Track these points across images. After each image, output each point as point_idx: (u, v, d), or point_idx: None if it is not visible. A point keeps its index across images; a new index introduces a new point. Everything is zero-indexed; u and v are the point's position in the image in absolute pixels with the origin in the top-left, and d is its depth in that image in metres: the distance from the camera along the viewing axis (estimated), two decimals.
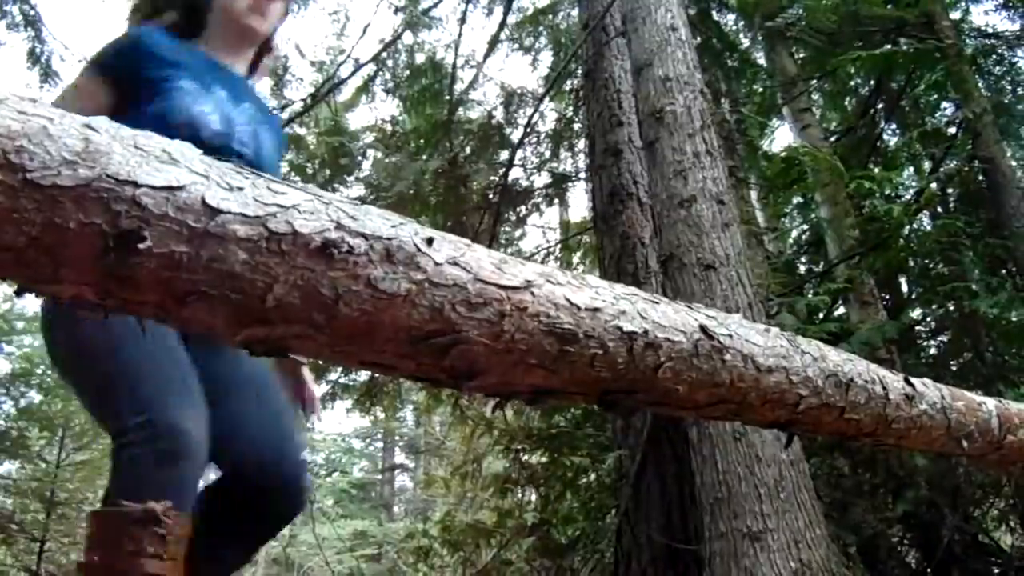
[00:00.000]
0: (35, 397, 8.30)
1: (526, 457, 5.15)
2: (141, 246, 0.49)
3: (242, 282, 0.53)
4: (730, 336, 0.89)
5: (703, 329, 0.86)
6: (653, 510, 3.62)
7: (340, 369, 6.46)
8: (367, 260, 0.59)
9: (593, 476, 4.73)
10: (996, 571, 3.83)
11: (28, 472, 8.06)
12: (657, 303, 0.83)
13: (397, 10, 6.49)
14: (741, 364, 0.89)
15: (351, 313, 0.58)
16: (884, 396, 1.13)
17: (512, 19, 6.74)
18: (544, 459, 5.06)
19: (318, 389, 1.52)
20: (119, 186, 0.49)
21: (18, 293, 0.53)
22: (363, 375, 6.50)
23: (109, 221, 0.49)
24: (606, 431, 4.52)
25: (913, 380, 1.23)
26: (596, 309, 0.75)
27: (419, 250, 0.62)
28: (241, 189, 0.55)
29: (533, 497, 5.48)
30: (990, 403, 1.42)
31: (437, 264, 0.63)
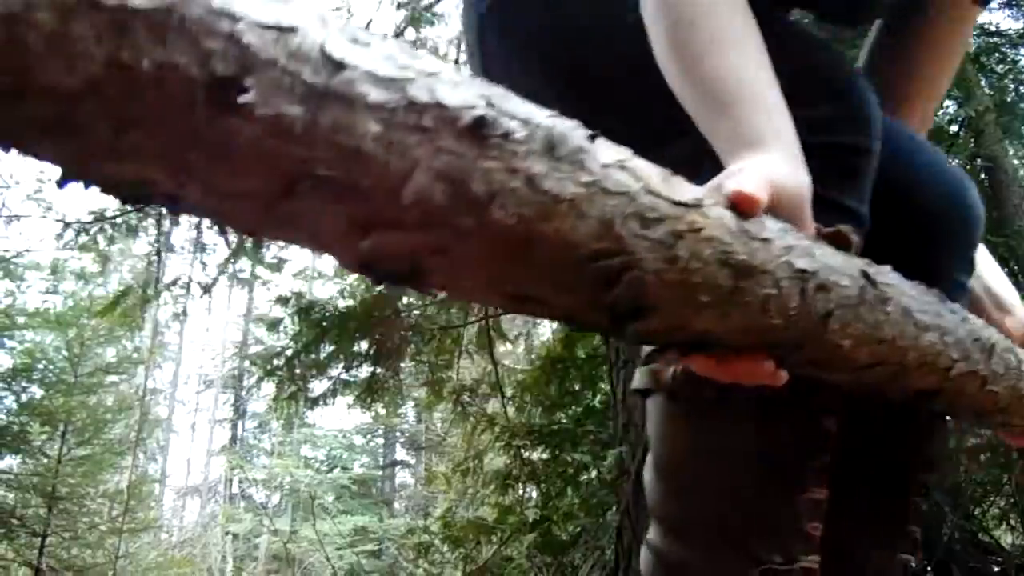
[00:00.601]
0: (36, 392, 8.12)
1: (527, 453, 5.05)
2: (241, 99, 0.33)
3: (373, 165, 0.37)
4: (889, 285, 0.73)
5: (864, 274, 0.70)
6: None
7: (341, 365, 6.31)
8: (526, 151, 0.43)
9: (594, 473, 4.64)
10: (996, 569, 3.76)
11: (29, 467, 7.87)
12: (816, 241, 0.68)
13: (400, 6, 6.32)
14: (901, 318, 0.74)
15: (506, 219, 0.42)
16: (1018, 367, 0.97)
17: None
18: (545, 456, 4.97)
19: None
20: (212, 16, 0.33)
21: (61, 181, 0.36)
22: (363, 371, 6.35)
23: (198, 62, 0.33)
24: (607, 428, 4.43)
25: None
26: (767, 240, 0.59)
27: (583, 147, 0.46)
28: (368, 45, 0.39)
29: (534, 494, 5.39)
30: None
31: (604, 165, 0.47)
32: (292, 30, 0.36)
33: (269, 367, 6.18)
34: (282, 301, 5.79)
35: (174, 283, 6.56)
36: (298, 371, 6.08)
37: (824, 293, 0.64)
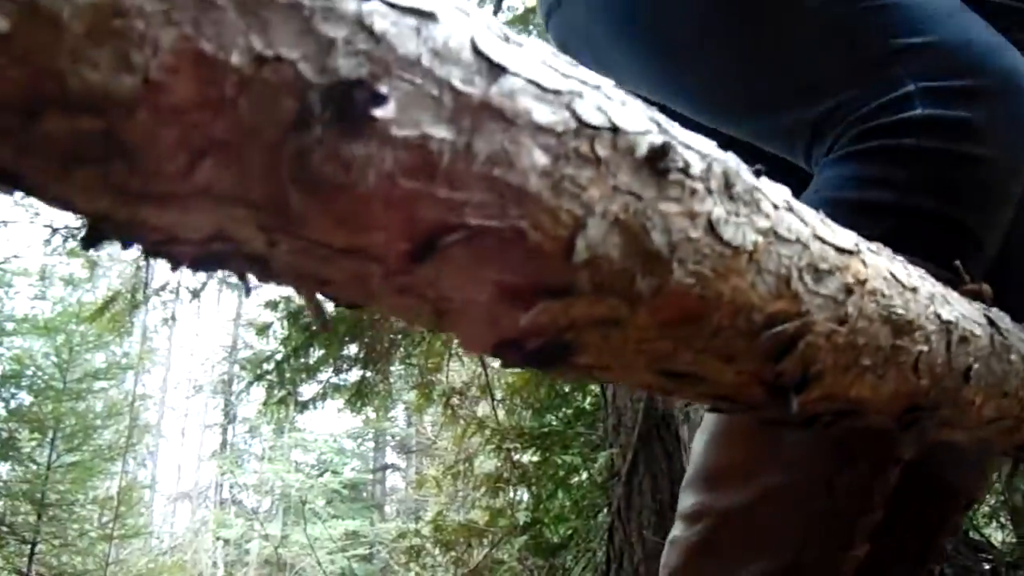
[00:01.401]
0: (25, 399, 7.87)
1: (517, 456, 4.96)
2: (379, 113, 0.21)
3: (540, 210, 0.25)
4: (1008, 330, 0.63)
5: (990, 322, 0.59)
6: (645, 508, 3.53)
7: (331, 369, 6.19)
8: (705, 189, 0.31)
9: (585, 475, 4.57)
10: (987, 567, 3.70)
11: (19, 474, 7.61)
12: (947, 287, 0.57)
13: None
14: (1022, 366, 0.63)
15: (684, 278, 0.30)
16: None
17: (501, 18, 6.48)
18: (535, 458, 4.88)
19: None
20: None
21: (90, 237, 0.24)
22: (353, 375, 6.25)
23: (314, 57, 0.21)
24: (597, 430, 4.37)
25: None
26: (915, 289, 0.48)
27: (755, 184, 0.35)
28: (520, 45, 0.27)
29: (525, 496, 5.29)
30: None
31: (776, 207, 0.35)
32: (433, 17, 0.24)
33: (259, 371, 6.03)
34: (271, 305, 5.66)
35: (163, 288, 6.40)
36: (288, 375, 5.94)
37: (964, 346, 0.53)
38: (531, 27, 6.64)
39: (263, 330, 6.70)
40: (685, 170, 0.30)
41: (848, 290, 0.39)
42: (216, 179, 0.22)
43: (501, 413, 5.26)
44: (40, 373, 8.06)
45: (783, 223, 0.35)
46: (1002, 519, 4.39)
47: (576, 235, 0.26)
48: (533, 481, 4.84)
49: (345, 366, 6.13)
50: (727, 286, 0.32)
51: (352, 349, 5.70)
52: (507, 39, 0.26)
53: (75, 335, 8.25)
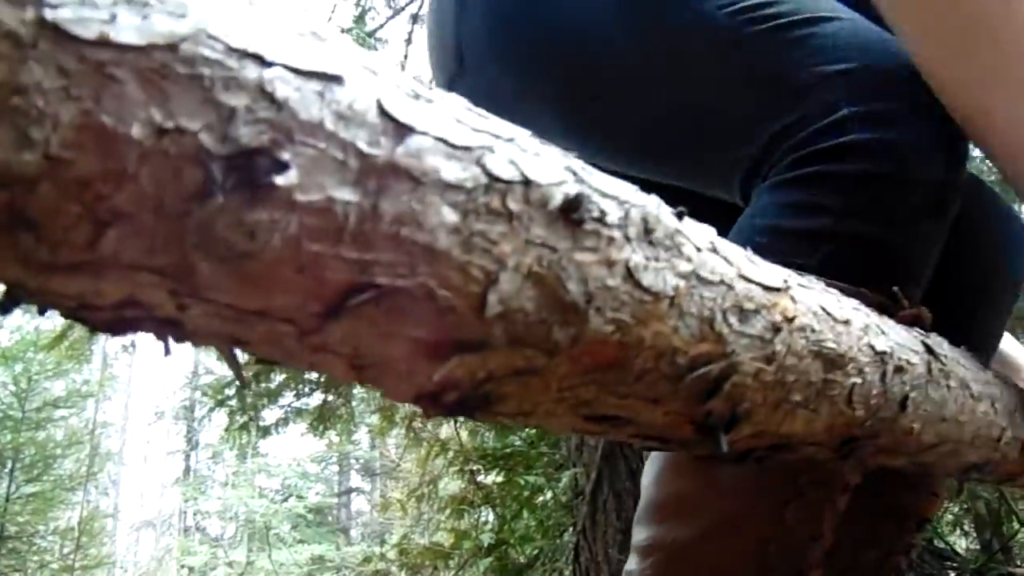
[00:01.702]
0: None
1: (481, 477, 4.93)
2: (280, 180, 0.22)
3: (450, 267, 0.26)
4: (946, 356, 0.64)
5: (927, 348, 0.61)
6: (610, 527, 3.52)
7: (292, 393, 6.14)
8: (623, 237, 0.32)
9: (549, 495, 4.54)
10: (952, 575, 3.74)
11: None
12: (881, 315, 0.58)
13: (343, 31, 6.23)
14: (960, 391, 0.65)
15: (603, 326, 0.31)
16: None
17: None
18: (500, 479, 4.86)
19: None
20: (233, 58, 0.22)
21: (5, 304, 0.25)
22: (315, 399, 6.20)
23: (215, 127, 0.21)
24: (561, 449, 4.37)
25: None
26: (847, 322, 0.49)
27: (677, 228, 0.36)
28: (431, 101, 0.28)
29: (490, 517, 5.27)
30: None
31: (699, 249, 0.36)
32: (338, 80, 0.24)
33: (220, 397, 5.98)
34: None
35: None
36: (249, 400, 5.89)
37: (900, 375, 0.54)
38: None
39: (222, 354, 6.60)
40: (601, 219, 0.31)
41: (775, 328, 0.40)
42: (122, 249, 0.22)
43: (464, 434, 5.25)
44: None
45: (706, 265, 0.36)
46: (966, 527, 4.45)
47: (488, 290, 0.27)
48: (498, 502, 4.83)
49: (307, 390, 6.08)
50: (648, 331, 0.33)
51: (313, 373, 5.67)
52: (417, 96, 0.27)
53: (33, 363, 8.12)
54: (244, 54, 0.22)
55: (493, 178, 0.27)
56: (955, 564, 3.83)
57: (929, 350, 0.61)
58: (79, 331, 6.15)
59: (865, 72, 0.65)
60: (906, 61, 0.66)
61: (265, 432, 6.41)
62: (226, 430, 6.10)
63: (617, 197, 0.32)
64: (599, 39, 0.76)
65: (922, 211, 0.65)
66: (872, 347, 0.51)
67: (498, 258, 0.27)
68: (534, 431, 4.59)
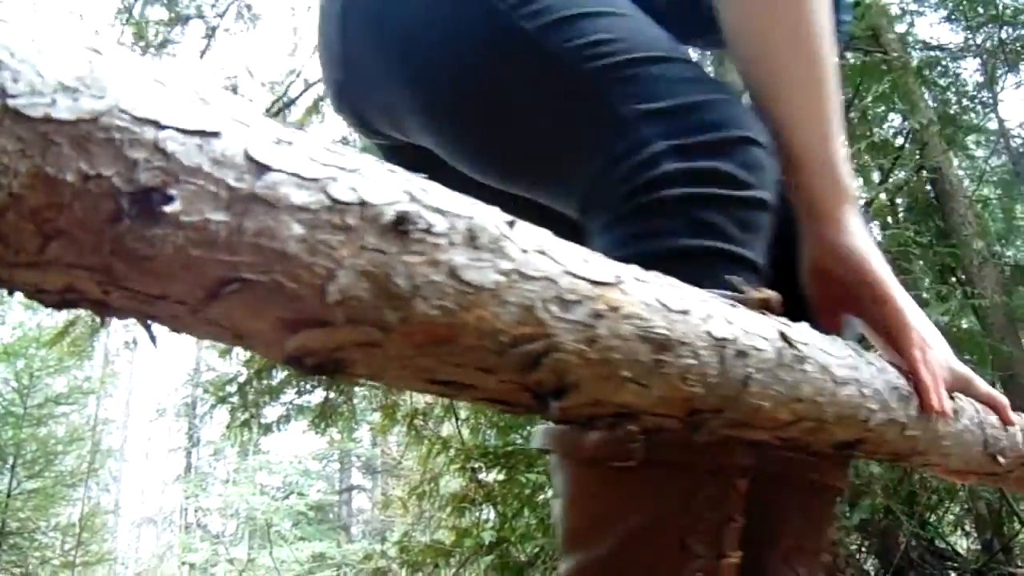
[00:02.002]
0: None
1: (483, 475, 5.03)
2: (167, 209, 0.34)
3: (297, 267, 0.38)
4: (806, 344, 0.75)
5: (783, 336, 0.72)
6: None
7: (294, 390, 6.25)
8: (448, 243, 0.43)
9: (550, 492, 4.63)
10: (953, 575, 3.82)
11: None
12: (735, 306, 0.69)
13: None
14: (819, 375, 0.76)
15: (429, 311, 0.42)
16: None
17: None
18: (501, 477, 4.95)
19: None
20: (137, 125, 0.34)
21: None
22: (317, 396, 6.30)
23: (124, 173, 0.33)
24: None
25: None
26: (686, 312, 0.61)
27: (503, 234, 0.47)
28: (291, 144, 0.39)
29: (491, 515, 5.37)
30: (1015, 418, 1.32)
31: (524, 251, 0.48)
32: (216, 135, 0.36)
33: (222, 394, 6.09)
34: None
35: None
36: (251, 397, 6.01)
37: (743, 359, 0.65)
38: None
39: (226, 352, 6.73)
40: (428, 229, 0.42)
41: (598, 315, 0.51)
42: (62, 254, 0.34)
43: (465, 432, 5.35)
44: (0, 399, 8.05)
45: (529, 264, 0.48)
46: (967, 527, 4.53)
47: (328, 283, 0.38)
48: (499, 500, 4.93)
49: (308, 387, 6.19)
50: (471, 316, 0.44)
51: None
52: (279, 141, 0.39)
53: (35, 360, 8.24)
54: (145, 121, 0.34)
55: (335, 201, 0.39)
56: (956, 564, 3.92)
57: (784, 337, 0.72)
58: (81, 328, 6.27)
59: (683, 109, 0.77)
60: (720, 97, 0.79)
61: (266, 429, 6.52)
62: (227, 427, 6.21)
63: (448, 211, 0.44)
64: (450, 55, 0.88)
65: (745, 223, 0.76)
66: (710, 334, 0.62)
67: (337, 260, 0.39)
68: (534, 429, 4.69)
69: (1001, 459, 1.23)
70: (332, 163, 0.40)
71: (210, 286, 0.36)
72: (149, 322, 0.38)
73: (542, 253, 0.49)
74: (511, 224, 0.48)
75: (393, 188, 0.42)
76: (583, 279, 0.51)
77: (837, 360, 0.79)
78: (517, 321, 0.47)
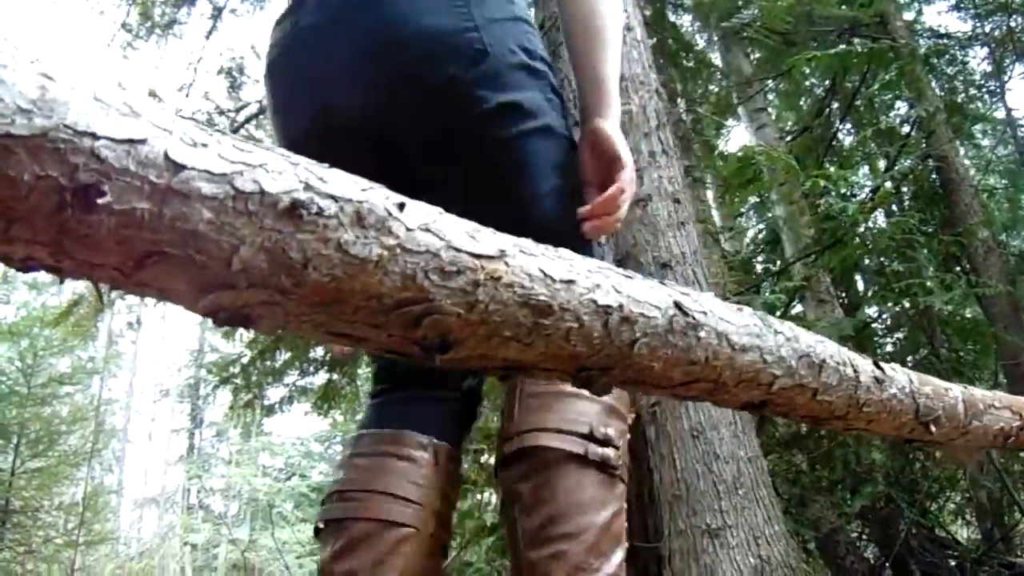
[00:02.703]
0: None
1: (484, 458, 5.14)
2: (100, 201, 0.46)
3: (207, 243, 0.50)
4: (704, 313, 0.87)
5: (677, 305, 0.84)
6: None
7: (297, 372, 6.40)
8: (337, 223, 0.56)
9: None
10: (953, 563, 3.90)
11: None
12: (631, 278, 0.82)
13: None
14: (715, 342, 0.88)
15: (320, 278, 0.55)
16: (855, 378, 1.12)
17: None
18: None
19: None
20: (77, 137, 0.46)
21: None
22: (319, 378, 6.43)
23: (66, 174, 0.46)
24: None
25: (882, 364, 1.23)
26: (571, 281, 0.73)
27: (390, 215, 0.60)
28: (206, 146, 0.52)
29: (492, 498, 5.48)
30: (956, 389, 1.43)
31: (409, 229, 0.61)
32: (142, 141, 0.49)
33: (225, 375, 6.25)
34: None
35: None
36: (254, 378, 6.17)
37: (629, 325, 0.78)
38: None
39: (229, 333, 6.87)
40: (319, 213, 0.55)
41: (476, 284, 0.64)
42: (20, 234, 0.47)
43: None
44: (3, 378, 8.24)
45: (413, 240, 0.60)
46: (967, 516, 4.62)
47: (232, 256, 0.51)
48: None
49: (311, 369, 6.33)
50: (357, 282, 0.57)
51: (318, 352, 5.92)
52: (195, 144, 0.51)
53: (39, 339, 8.41)
54: (84, 133, 0.47)
55: (238, 191, 0.52)
56: (956, 553, 4.01)
57: (679, 306, 0.84)
58: (85, 308, 6.44)
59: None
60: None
61: (269, 411, 6.68)
62: (230, 408, 6.37)
63: (340, 197, 0.57)
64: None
65: None
66: (594, 301, 0.74)
67: (240, 238, 0.51)
68: None
69: (934, 427, 1.35)
70: (240, 160, 0.53)
71: (138, 257, 0.49)
72: (98, 283, 0.51)
73: (427, 230, 0.62)
74: (401, 206, 0.61)
75: (291, 179, 0.55)
76: (466, 252, 0.64)
77: (736, 328, 0.91)
78: (399, 287, 0.59)
